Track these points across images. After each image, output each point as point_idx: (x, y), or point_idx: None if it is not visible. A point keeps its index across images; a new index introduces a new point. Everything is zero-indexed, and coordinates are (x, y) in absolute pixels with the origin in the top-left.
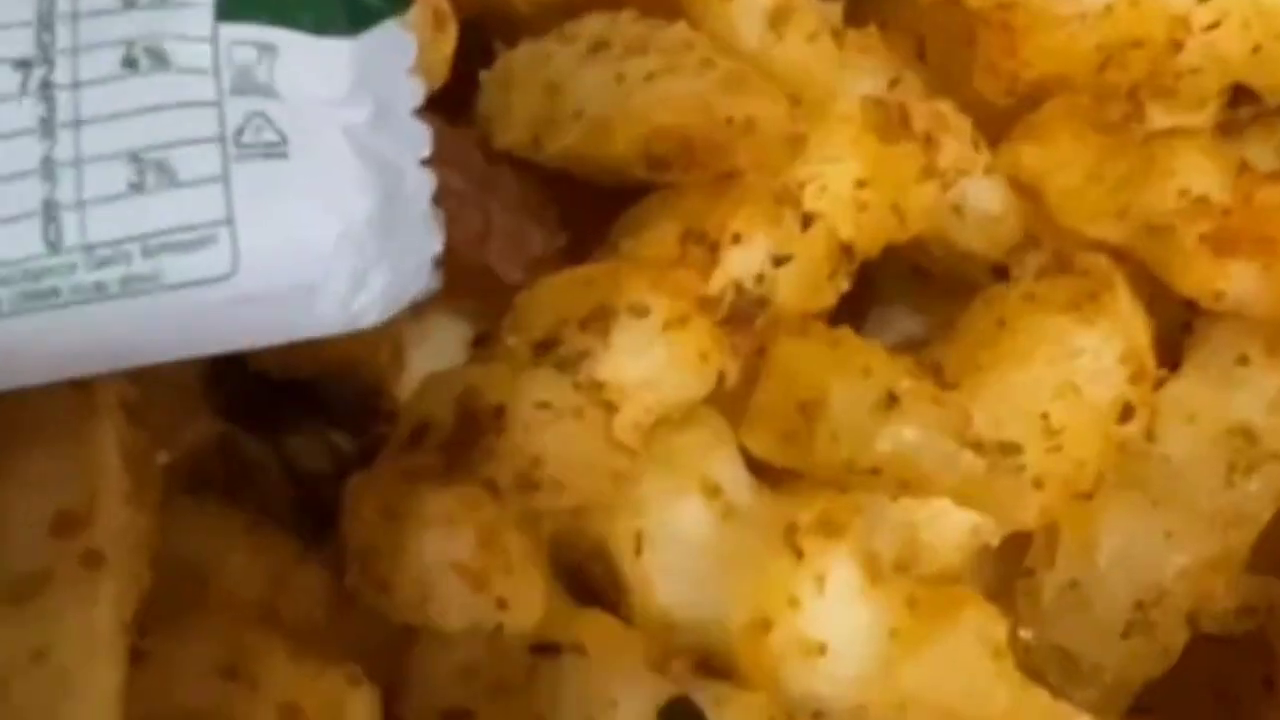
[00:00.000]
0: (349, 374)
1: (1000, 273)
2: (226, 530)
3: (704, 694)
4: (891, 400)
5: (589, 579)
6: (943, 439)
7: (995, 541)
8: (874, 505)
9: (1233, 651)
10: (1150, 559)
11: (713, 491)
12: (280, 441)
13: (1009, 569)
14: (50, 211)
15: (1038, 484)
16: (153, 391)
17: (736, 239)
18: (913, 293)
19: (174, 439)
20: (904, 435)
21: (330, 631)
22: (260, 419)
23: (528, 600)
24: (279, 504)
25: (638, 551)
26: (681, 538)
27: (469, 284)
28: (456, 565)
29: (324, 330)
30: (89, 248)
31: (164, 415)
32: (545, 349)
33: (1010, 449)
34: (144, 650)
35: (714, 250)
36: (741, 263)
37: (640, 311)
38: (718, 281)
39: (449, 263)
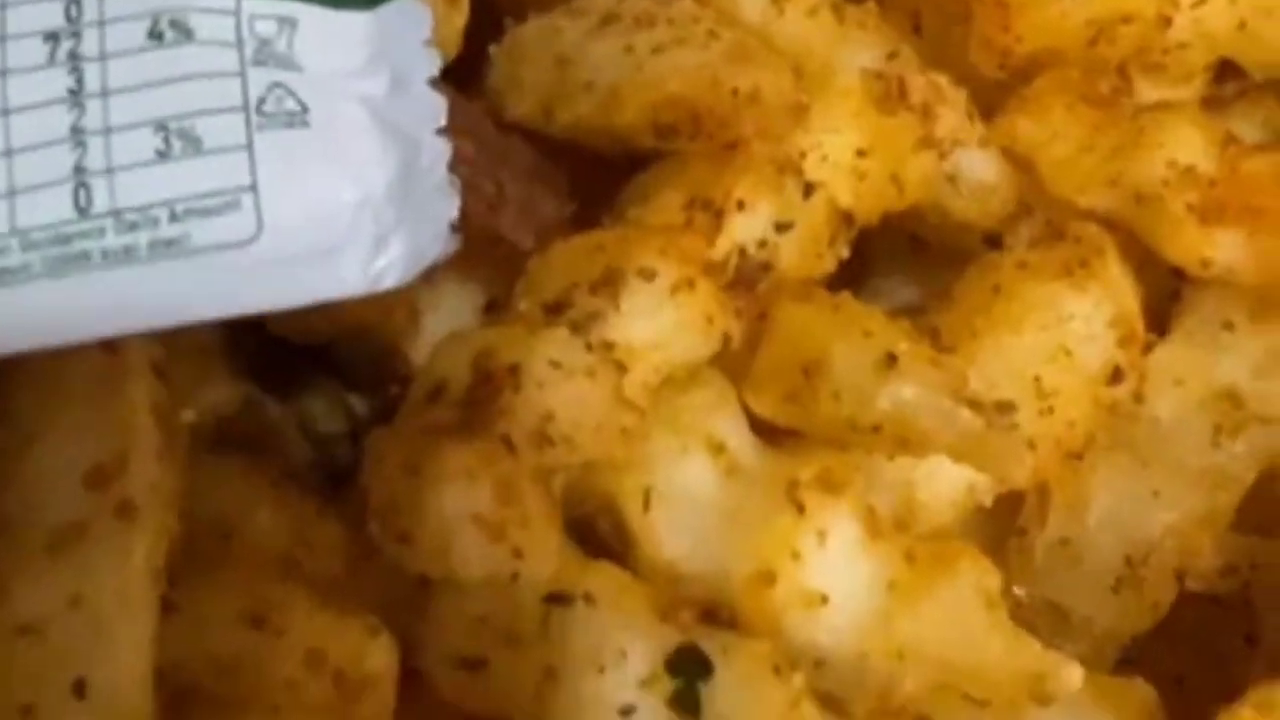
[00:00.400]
0: (365, 337)
1: (994, 241)
2: (250, 486)
3: (710, 642)
4: (891, 360)
5: (598, 534)
6: (940, 397)
7: (989, 501)
8: (871, 465)
9: (1217, 609)
10: (1139, 517)
11: (717, 450)
12: (298, 404)
13: (1002, 528)
14: (80, 178)
15: (1030, 444)
16: (176, 354)
17: (740, 206)
18: (909, 262)
19: (198, 400)
20: (903, 394)
21: (349, 585)
22: (279, 382)
23: (543, 550)
24: (297, 463)
25: (646, 507)
26: (687, 494)
27: (481, 251)
28: (475, 517)
29: (345, 292)
30: (118, 212)
31: (188, 377)
32: (557, 311)
33: (1006, 407)
34: (174, 601)
35: (719, 217)
36: (745, 229)
37: (648, 275)
38: (722, 247)
39: (462, 230)
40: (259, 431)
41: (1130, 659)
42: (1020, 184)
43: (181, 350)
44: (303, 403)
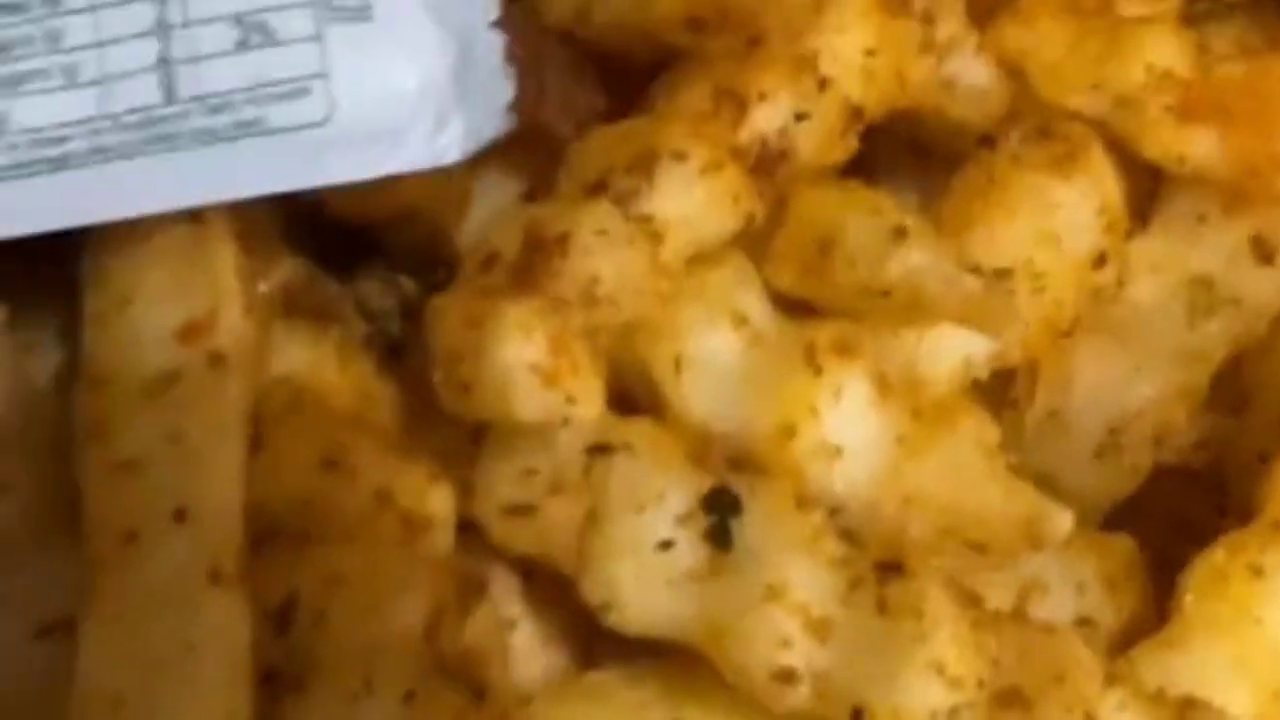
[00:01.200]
0: (415, 221)
1: (988, 143)
2: (317, 348)
3: (740, 483)
4: (901, 232)
5: (636, 403)
6: (946, 264)
7: (984, 375)
8: (877, 342)
9: (1191, 484)
10: (1120, 391)
11: (740, 321)
12: (353, 284)
13: (996, 402)
14: (166, 67)
15: (1023, 323)
16: (248, 234)
17: (762, 97)
18: (911, 167)
19: (268, 275)
20: (912, 259)
21: (408, 440)
22: (335, 265)
23: (591, 397)
24: (354, 336)
25: (677, 371)
26: (715, 360)
27: (523, 143)
28: (532, 365)
29: (412, 166)
30: (202, 98)
31: (258, 255)
32: (597, 190)
33: (1003, 274)
34: (258, 444)
35: (742, 106)
36: (767, 118)
37: (680, 157)
38: (746, 134)
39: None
40: (320, 306)
41: (1112, 528)
42: (1012, 89)
43: (252, 231)
44: (357, 282)
